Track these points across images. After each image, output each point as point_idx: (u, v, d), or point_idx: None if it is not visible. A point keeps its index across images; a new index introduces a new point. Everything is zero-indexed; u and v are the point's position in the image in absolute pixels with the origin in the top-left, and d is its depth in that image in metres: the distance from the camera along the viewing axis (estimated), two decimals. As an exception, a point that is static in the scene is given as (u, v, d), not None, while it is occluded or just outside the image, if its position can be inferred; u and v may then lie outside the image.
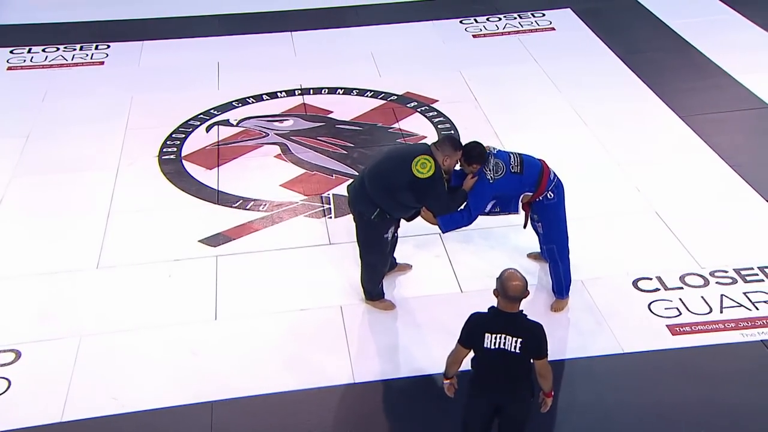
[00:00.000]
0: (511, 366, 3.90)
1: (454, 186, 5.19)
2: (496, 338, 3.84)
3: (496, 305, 3.91)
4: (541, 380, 4.00)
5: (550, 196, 5.19)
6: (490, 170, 5.05)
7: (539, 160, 5.25)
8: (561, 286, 5.47)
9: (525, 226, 5.48)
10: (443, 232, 5.31)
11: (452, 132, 7.68)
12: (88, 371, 5.13)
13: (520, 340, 3.83)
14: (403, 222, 5.39)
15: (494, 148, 5.16)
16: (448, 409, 4.83)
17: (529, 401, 4.04)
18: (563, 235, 5.34)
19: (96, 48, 9.73)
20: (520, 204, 5.23)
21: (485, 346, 3.87)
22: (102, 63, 9.43)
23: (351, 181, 5.46)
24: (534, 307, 5.51)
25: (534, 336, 3.88)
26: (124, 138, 7.78)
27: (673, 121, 7.79)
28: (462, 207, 5.14)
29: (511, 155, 5.16)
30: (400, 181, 4.98)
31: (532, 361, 3.94)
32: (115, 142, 7.70)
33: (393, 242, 5.47)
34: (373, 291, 5.54)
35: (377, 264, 5.44)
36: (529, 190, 5.15)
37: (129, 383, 5.03)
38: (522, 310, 3.91)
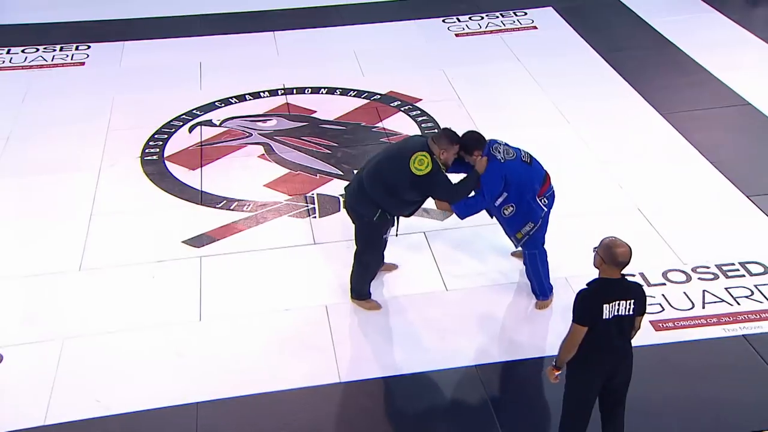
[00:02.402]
0: (624, 329, 4.03)
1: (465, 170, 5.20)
2: (612, 306, 3.95)
3: (599, 276, 4.01)
4: (634, 333, 4.14)
5: (544, 202, 5.22)
6: (499, 152, 5.10)
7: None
8: (544, 288, 5.46)
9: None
10: (461, 219, 5.31)
11: (436, 130, 7.69)
12: (72, 374, 5.09)
13: (632, 301, 3.98)
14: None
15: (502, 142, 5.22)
16: (433, 408, 4.85)
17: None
18: (544, 241, 5.36)
19: (76, 48, 9.66)
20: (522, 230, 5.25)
21: (604, 317, 3.95)
22: (83, 63, 9.36)
23: (348, 183, 5.46)
24: (518, 304, 5.55)
25: (641, 294, 4.05)
26: (106, 139, 7.72)
27: (654, 118, 7.84)
28: (475, 192, 5.15)
29: (521, 149, 5.23)
30: (402, 181, 5.02)
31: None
32: (97, 143, 7.65)
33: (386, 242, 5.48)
34: (362, 290, 5.54)
35: (371, 263, 5.46)
36: (539, 185, 5.18)
37: (113, 385, 5.00)
38: (624, 275, 4.01)
